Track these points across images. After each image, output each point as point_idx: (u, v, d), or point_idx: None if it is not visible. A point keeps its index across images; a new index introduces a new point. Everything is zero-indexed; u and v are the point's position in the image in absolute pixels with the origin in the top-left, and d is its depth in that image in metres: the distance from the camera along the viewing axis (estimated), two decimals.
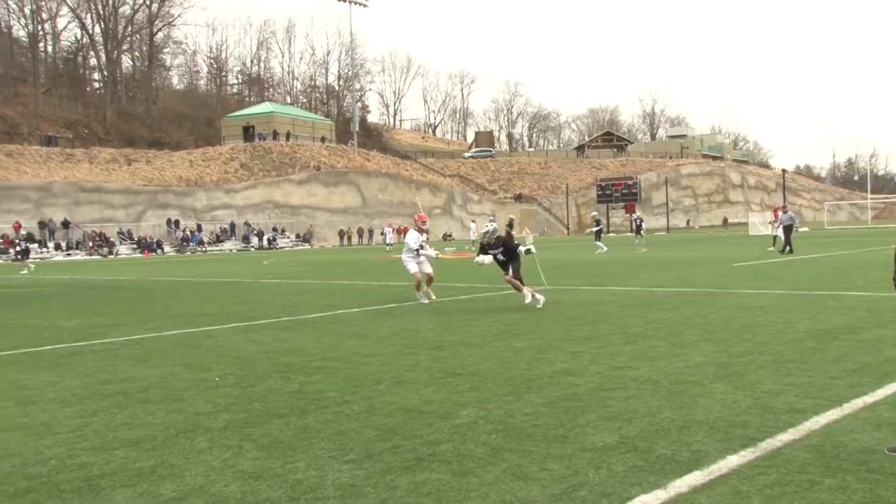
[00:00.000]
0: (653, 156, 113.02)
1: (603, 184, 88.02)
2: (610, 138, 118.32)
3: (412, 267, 13.94)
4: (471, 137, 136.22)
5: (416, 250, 13.89)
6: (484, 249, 12.99)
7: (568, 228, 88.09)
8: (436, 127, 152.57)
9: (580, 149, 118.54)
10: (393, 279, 20.39)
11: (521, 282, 12.67)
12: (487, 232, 12.90)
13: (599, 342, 8.79)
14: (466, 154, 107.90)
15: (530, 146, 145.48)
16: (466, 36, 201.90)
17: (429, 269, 14.05)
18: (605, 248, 33.67)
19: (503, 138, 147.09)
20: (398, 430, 5.27)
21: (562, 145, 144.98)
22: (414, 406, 5.97)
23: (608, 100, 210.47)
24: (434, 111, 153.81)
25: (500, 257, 12.73)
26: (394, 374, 7.24)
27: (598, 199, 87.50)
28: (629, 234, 50.52)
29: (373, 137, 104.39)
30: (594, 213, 44.05)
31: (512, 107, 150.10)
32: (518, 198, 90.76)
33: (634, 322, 10.41)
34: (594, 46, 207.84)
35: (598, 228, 35.37)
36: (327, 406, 6.06)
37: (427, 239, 14.43)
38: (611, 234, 65.85)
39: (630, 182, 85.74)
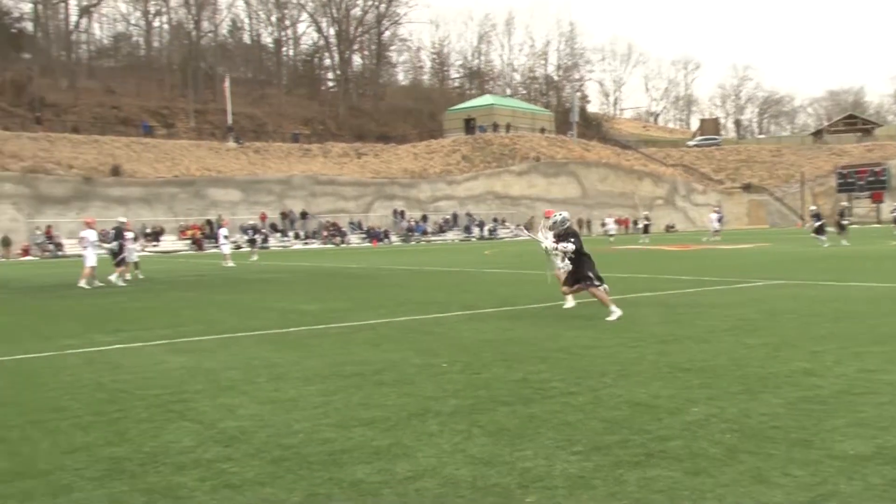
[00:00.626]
0: None
1: (844, 171, 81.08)
2: (853, 122, 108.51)
3: (557, 265, 12.01)
4: (695, 125, 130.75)
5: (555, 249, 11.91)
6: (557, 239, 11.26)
7: (802, 219, 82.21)
8: (657, 115, 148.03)
9: (817, 134, 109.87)
10: (616, 271, 20.06)
11: (576, 286, 10.80)
12: (556, 222, 11.17)
13: (843, 342, 8.13)
14: (690, 142, 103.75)
15: (760, 133, 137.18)
16: (690, 20, 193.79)
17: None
18: (827, 242, 31.02)
19: (730, 125, 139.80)
20: (625, 424, 5.17)
21: (796, 131, 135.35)
22: (641, 400, 5.84)
23: (851, 80, 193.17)
24: (656, 99, 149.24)
25: (569, 253, 10.81)
26: (619, 367, 7.12)
27: (839, 187, 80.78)
28: (876, 225, 46.37)
29: (592, 127, 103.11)
30: (812, 207, 41.13)
31: (740, 92, 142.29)
32: (746, 188, 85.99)
33: (886, 321, 9.53)
34: (834, 21, 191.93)
35: (819, 223, 32.54)
36: (552, 396, 6.07)
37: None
38: (854, 226, 60.64)
39: (877, 168, 78.33)
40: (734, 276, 17.42)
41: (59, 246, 47.18)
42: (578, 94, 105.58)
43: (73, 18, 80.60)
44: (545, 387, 6.41)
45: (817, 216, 33.22)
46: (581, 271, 10.69)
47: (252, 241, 41.70)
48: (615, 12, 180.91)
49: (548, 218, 11.95)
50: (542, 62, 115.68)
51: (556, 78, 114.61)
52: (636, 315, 10.88)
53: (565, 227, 11.08)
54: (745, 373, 6.72)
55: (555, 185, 72.47)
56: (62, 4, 78.29)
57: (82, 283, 19.47)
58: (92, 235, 20.25)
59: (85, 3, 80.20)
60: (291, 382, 6.88)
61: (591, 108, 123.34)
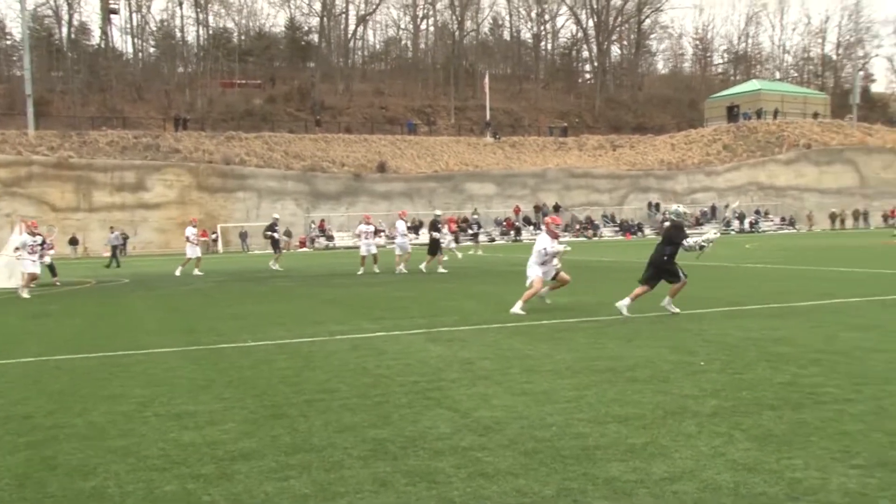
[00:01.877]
0: None
1: None
2: None
3: (536, 271, 11.72)
4: None
5: (554, 254, 11.73)
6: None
7: None
8: None
9: None
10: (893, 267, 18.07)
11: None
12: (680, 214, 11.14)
13: None
14: None
15: None
16: None
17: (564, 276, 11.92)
18: None
19: None
20: None
21: None
22: None
23: None
24: None
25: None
26: None
27: None
28: None
29: (877, 109, 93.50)
30: None
31: None
32: None
33: None
34: None
35: None
36: (825, 402, 5.56)
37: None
38: None
39: None
40: None
41: (330, 238, 51.28)
42: (861, 73, 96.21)
43: (352, 27, 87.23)
44: (817, 391, 5.90)
45: None
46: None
47: (475, 236, 42.37)
48: None
49: (558, 226, 12.01)
50: (820, 41, 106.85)
51: (834, 57, 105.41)
52: None
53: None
54: None
55: (827, 173, 66.72)
56: (343, 15, 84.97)
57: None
58: (402, 227, 23.70)
59: (362, 13, 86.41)
60: (543, 375, 6.90)
61: (877, 87, 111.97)
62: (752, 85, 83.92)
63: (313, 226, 52.32)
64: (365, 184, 55.82)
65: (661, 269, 10.74)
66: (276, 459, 4.65)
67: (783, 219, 63.30)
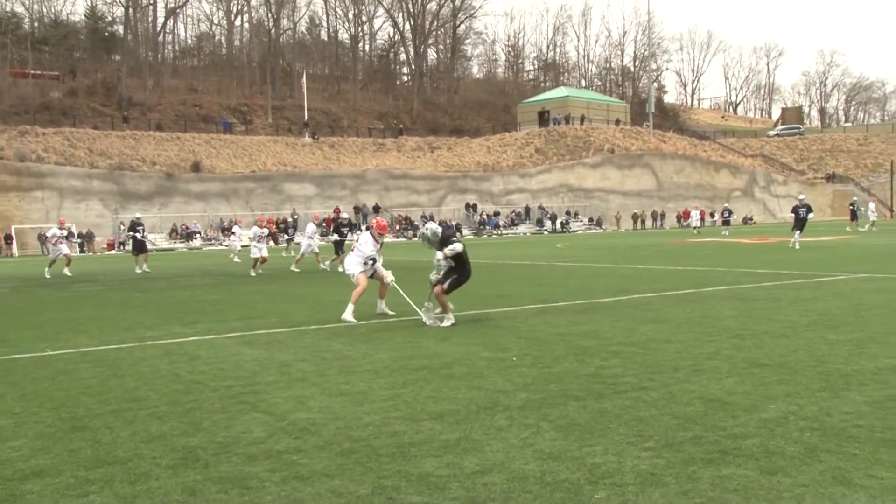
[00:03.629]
0: None
1: None
2: None
3: (357, 268, 11.10)
4: (776, 114, 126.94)
5: (372, 259, 11.21)
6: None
7: (892, 211, 79.00)
8: (737, 105, 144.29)
9: None
10: (690, 264, 19.64)
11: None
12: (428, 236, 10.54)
13: None
14: (771, 132, 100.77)
15: (846, 121, 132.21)
16: (774, 5, 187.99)
17: (387, 276, 11.24)
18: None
19: (814, 114, 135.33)
20: (699, 421, 5.04)
21: (887, 118, 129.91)
22: (715, 396, 5.68)
23: None
24: (736, 88, 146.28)
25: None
26: (692, 362, 6.95)
27: None
28: None
29: (669, 118, 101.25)
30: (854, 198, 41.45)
31: (826, 79, 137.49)
32: (830, 178, 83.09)
33: None
34: None
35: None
36: (624, 391, 5.96)
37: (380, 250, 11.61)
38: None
39: None
40: (816, 269, 16.85)
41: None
42: (655, 84, 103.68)
43: (160, 20, 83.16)
44: (617, 381, 6.30)
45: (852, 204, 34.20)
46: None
47: (290, 239, 41.89)
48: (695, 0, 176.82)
49: (382, 234, 11.32)
50: (619, 53, 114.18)
51: (632, 69, 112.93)
52: (711, 309, 10.61)
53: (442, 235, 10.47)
54: (827, 369, 6.47)
55: (629, 177, 71.39)
56: (150, 7, 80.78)
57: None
58: (310, 229, 24.52)
59: (171, 5, 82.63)
60: (361, 375, 6.93)
61: (668, 98, 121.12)
62: (561, 92, 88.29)
63: (122, 227, 49.43)
64: (178, 184, 53.48)
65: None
66: (75, 475, 4.38)
67: (591, 219, 66.98)
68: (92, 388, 6.71)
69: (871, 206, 47.37)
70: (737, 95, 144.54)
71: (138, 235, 25.64)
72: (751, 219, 70.97)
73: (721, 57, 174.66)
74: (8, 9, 77.47)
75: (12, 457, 4.78)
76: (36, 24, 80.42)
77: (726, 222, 45.55)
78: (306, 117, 69.18)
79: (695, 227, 48.90)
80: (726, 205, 51.42)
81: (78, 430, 5.33)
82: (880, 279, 14.37)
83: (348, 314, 10.66)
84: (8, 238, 46.30)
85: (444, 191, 63.85)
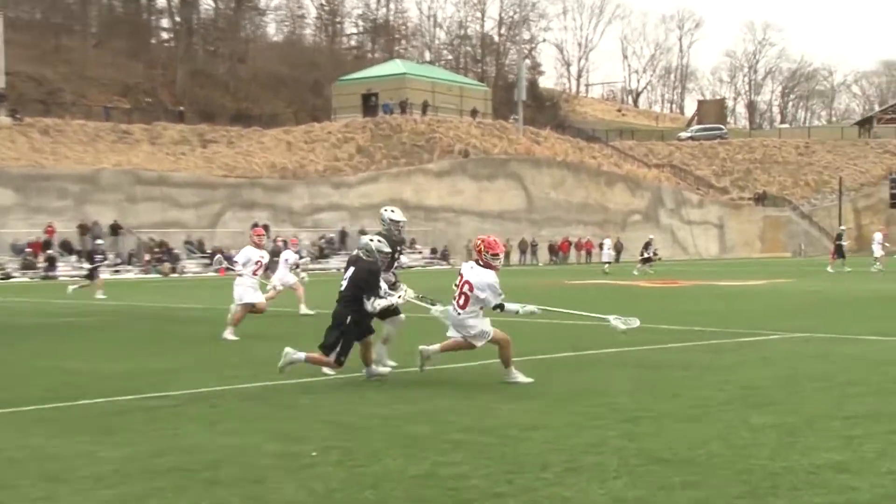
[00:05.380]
0: None
1: None
2: None
3: (249, 296, 12.68)
4: (691, 109, 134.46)
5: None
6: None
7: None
8: (639, 94, 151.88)
9: (865, 123, 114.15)
10: (569, 317, 20.24)
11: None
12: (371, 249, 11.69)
13: (893, 424, 8.36)
14: (684, 134, 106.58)
15: (783, 122, 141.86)
16: None
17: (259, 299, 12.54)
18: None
19: (740, 110, 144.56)
20: None
21: (835, 119, 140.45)
22: None
23: None
24: (637, 71, 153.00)
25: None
26: (567, 457, 7.13)
27: (892, 199, 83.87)
28: None
29: (546, 110, 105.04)
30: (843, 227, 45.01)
31: (757, 62, 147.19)
32: (761, 199, 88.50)
33: None
34: None
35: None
36: (471, 500, 6.04)
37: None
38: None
39: None
40: (739, 325, 17.81)
41: None
42: (527, 61, 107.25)
43: None
44: (461, 486, 6.38)
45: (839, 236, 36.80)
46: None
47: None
48: None
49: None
50: (478, 15, 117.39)
51: (496, 38, 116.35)
52: (597, 381, 10.97)
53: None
54: (749, 466, 6.82)
55: (489, 191, 72.95)
56: None
57: None
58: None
59: None
60: (75, 485, 6.67)
61: (546, 82, 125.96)
62: (396, 67, 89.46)
63: None
64: None
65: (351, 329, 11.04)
66: None
67: (433, 250, 67.84)
68: None
69: (878, 236, 48.18)
70: (638, 81, 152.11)
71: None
72: (655, 253, 74.33)
73: (618, 27, 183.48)
74: None
75: None
76: None
77: (647, 260, 47.69)
78: (2, 85, 66.46)
79: (606, 263, 51.12)
80: (651, 236, 53.80)
81: None
82: (822, 340, 15.34)
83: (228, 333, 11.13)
84: None
85: (222, 205, 63.06)
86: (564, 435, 7.98)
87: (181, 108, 79.31)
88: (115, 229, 57.09)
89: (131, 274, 54.09)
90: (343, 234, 65.31)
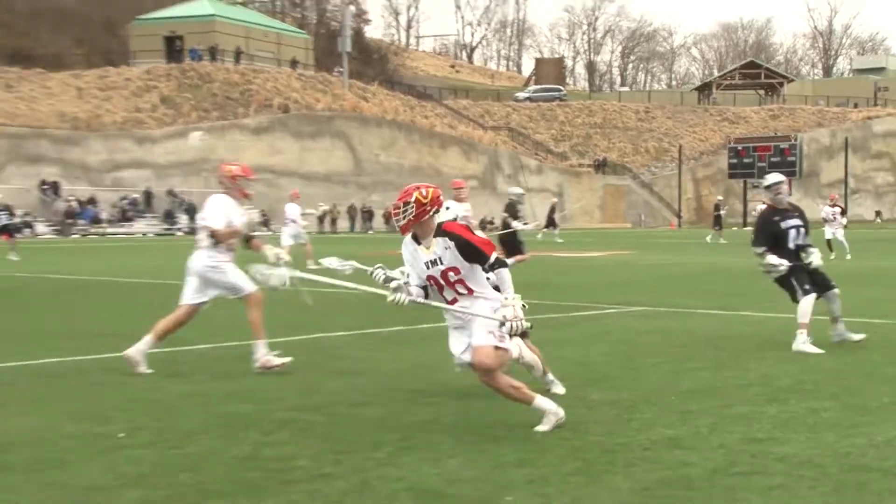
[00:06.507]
0: (825, 102, 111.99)
1: (739, 147, 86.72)
2: (754, 73, 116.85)
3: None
4: (529, 68, 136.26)
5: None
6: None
7: (679, 217, 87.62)
8: (473, 49, 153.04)
9: (704, 89, 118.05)
10: None
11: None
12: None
13: (726, 398, 8.84)
14: (521, 94, 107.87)
15: (623, 84, 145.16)
16: None
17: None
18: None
19: (580, 71, 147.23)
20: None
21: (675, 83, 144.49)
22: (430, 485, 6.04)
23: (755, 10, 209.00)
24: (472, 24, 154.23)
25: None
26: (400, 434, 7.32)
27: (731, 170, 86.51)
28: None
29: (374, 63, 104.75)
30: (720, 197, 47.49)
31: (596, 20, 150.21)
32: (600, 166, 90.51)
33: (785, 369, 10.42)
34: None
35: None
36: (297, 481, 6.14)
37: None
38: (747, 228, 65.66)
39: (785, 145, 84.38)
40: (577, 299, 18.35)
41: None
42: (352, 8, 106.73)
43: None
44: (287, 466, 6.47)
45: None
46: None
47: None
48: None
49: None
50: None
51: None
52: (428, 356, 11.18)
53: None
54: (585, 443, 7.11)
55: (313, 151, 72.62)
56: None
57: None
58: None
59: None
60: None
61: (373, 32, 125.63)
62: (203, 7, 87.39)
63: None
64: None
65: None
66: None
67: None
68: None
69: (828, 210, 39.44)
70: (473, 35, 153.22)
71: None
72: (491, 222, 75.31)
73: None
74: None
75: None
76: None
77: (552, 223, 48.83)
78: None
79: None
80: (555, 199, 54.54)
81: None
82: (660, 314, 15.96)
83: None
84: None
85: (1, 157, 60.84)
86: (396, 412, 8.16)
87: None
88: None
89: None
90: (148, 195, 64.04)
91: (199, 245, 10.53)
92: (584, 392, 9.11)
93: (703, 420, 7.89)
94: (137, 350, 10.22)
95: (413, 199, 7.20)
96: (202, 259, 10.48)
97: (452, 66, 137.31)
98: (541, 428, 7.39)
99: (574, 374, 10.12)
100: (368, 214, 70.84)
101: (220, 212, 10.33)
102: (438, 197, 7.31)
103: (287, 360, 10.36)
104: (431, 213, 7.27)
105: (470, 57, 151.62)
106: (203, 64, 76.12)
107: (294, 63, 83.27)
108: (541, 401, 7.50)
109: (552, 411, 7.46)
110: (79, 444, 7.16)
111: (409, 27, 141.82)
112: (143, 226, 61.93)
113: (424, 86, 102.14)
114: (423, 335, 13.29)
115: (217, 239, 10.29)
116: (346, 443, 7.12)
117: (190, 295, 10.64)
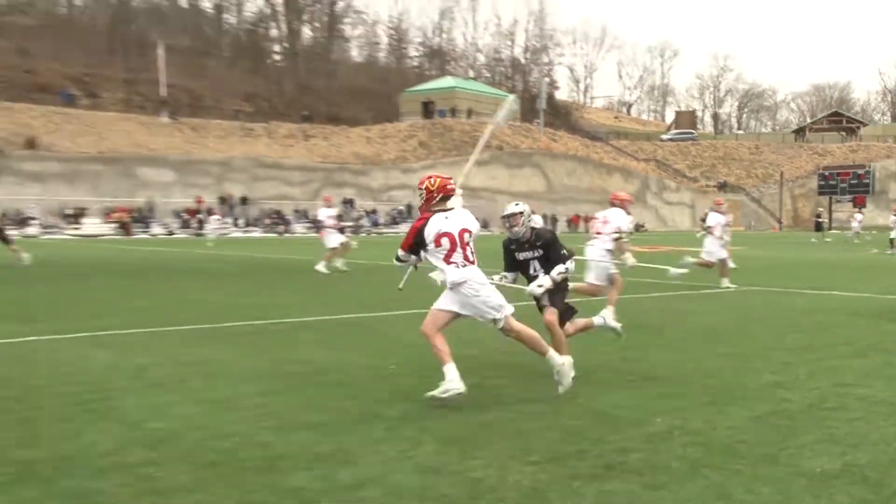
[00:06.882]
0: (892, 140, 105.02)
1: (826, 172, 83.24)
2: (838, 119, 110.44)
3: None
4: (670, 117, 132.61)
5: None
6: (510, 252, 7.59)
7: (780, 223, 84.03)
8: (631, 105, 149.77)
9: (800, 132, 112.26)
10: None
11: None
12: (513, 214, 7.48)
13: (819, 353, 8.39)
14: (664, 136, 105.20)
15: (739, 128, 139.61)
16: (669, 3, 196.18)
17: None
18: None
19: (707, 119, 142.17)
20: (585, 434, 5.28)
21: (777, 128, 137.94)
22: (602, 409, 5.96)
23: (838, 74, 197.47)
24: (630, 88, 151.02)
25: (538, 272, 7.36)
26: (580, 374, 7.17)
27: (820, 189, 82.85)
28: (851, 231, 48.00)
29: (561, 116, 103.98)
30: (821, 209, 45.55)
31: (720, 83, 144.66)
32: (722, 186, 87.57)
33: (865, 333, 9.85)
34: (821, 12, 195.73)
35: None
36: (508, 403, 6.15)
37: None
38: (833, 231, 62.18)
39: (860, 171, 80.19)
40: (705, 280, 17.78)
41: None
42: (546, 79, 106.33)
43: None
44: (501, 393, 6.50)
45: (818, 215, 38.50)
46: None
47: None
48: None
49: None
50: (509, 43, 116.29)
51: (523, 61, 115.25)
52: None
53: (529, 225, 7.50)
54: (713, 383, 6.90)
55: (518, 177, 72.88)
56: None
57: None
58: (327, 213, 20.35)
59: None
60: (226, 381, 6.87)
61: (560, 94, 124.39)
62: (447, 82, 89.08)
63: None
64: (11, 162, 50.79)
65: None
66: None
67: (476, 219, 68.02)
68: None
69: (858, 217, 49.16)
70: (630, 95, 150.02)
71: None
72: (642, 226, 73.88)
73: (615, 54, 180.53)
74: None
75: None
76: None
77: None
78: (164, 94, 67.07)
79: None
80: (706, 210, 53.65)
81: None
82: (769, 293, 15.33)
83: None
84: None
85: (319, 183, 63.30)
86: (577, 358, 8.01)
87: (290, 111, 79.55)
88: (244, 200, 57.65)
89: (256, 233, 54.60)
90: (409, 207, 65.41)
91: (598, 241, 10.80)
92: (713, 347, 8.85)
93: (801, 369, 7.53)
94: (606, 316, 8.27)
95: (424, 187, 6.78)
96: (598, 251, 10.76)
97: (616, 117, 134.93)
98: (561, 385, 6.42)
99: (706, 333, 9.85)
100: (554, 221, 70.59)
101: (622, 221, 10.75)
102: (444, 186, 6.75)
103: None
104: (437, 198, 6.70)
105: (628, 110, 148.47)
106: (446, 119, 77.16)
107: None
108: (551, 355, 6.53)
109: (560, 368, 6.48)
110: (366, 371, 7.42)
111: (585, 90, 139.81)
112: (406, 227, 63.17)
113: (596, 131, 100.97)
114: (593, 306, 13.10)
115: (618, 237, 10.63)
116: (543, 378, 7.02)
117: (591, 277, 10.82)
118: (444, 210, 6.63)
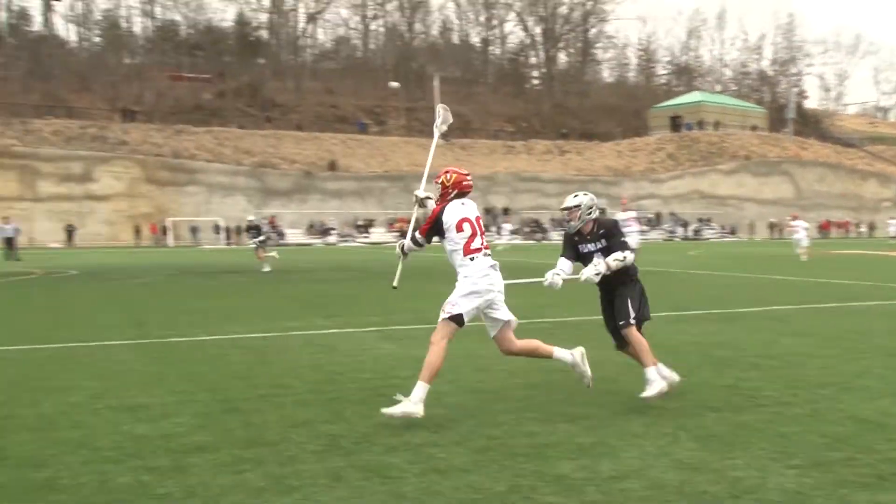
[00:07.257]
0: None
1: None
2: None
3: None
4: None
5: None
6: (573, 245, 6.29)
7: None
8: (888, 111, 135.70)
9: None
10: (832, 276, 18.65)
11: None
12: (569, 208, 6.29)
13: None
14: None
15: None
16: None
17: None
18: None
19: None
20: (850, 441, 4.78)
21: None
22: (867, 417, 5.37)
23: None
24: (886, 93, 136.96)
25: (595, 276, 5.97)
26: (840, 379, 6.59)
27: None
28: None
29: (810, 124, 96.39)
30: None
31: None
32: None
33: None
34: None
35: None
36: (765, 405, 5.73)
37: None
38: None
39: None
40: None
41: (281, 235, 50.71)
42: (795, 89, 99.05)
43: (301, 25, 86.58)
44: (757, 395, 6.07)
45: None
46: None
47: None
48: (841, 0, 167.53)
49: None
50: (756, 56, 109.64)
51: (770, 73, 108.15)
52: (859, 325, 10.03)
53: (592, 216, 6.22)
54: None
55: (766, 185, 68.60)
56: (292, 13, 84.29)
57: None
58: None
59: (311, 11, 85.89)
60: (495, 374, 6.98)
61: (810, 103, 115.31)
62: (695, 97, 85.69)
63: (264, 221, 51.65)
64: (316, 182, 55.45)
65: None
66: (231, 453, 4.63)
67: (724, 227, 64.73)
68: (241, 373, 7.06)
69: None
70: (888, 100, 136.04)
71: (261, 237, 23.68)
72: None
73: (870, 60, 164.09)
74: (167, 17, 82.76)
75: (178, 432, 5.12)
76: (191, 31, 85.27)
77: None
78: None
79: (893, 237, 47.99)
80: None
81: (231, 412, 5.62)
82: None
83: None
84: (164, 229, 49.39)
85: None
86: (835, 363, 7.35)
87: (546, 129, 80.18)
88: (506, 211, 58.86)
89: (517, 240, 55.55)
90: (658, 215, 63.67)
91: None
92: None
93: None
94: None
95: (440, 181, 6.21)
96: None
97: (871, 123, 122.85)
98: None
99: None
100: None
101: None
102: (461, 182, 6.15)
103: None
104: (453, 194, 6.10)
105: (885, 115, 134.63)
106: (693, 132, 74.26)
107: (754, 127, 78.83)
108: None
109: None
110: (622, 369, 7.13)
111: (837, 98, 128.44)
112: (655, 235, 61.42)
113: (849, 137, 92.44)
114: (854, 310, 11.93)
115: None
116: (799, 382, 6.53)
117: None
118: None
